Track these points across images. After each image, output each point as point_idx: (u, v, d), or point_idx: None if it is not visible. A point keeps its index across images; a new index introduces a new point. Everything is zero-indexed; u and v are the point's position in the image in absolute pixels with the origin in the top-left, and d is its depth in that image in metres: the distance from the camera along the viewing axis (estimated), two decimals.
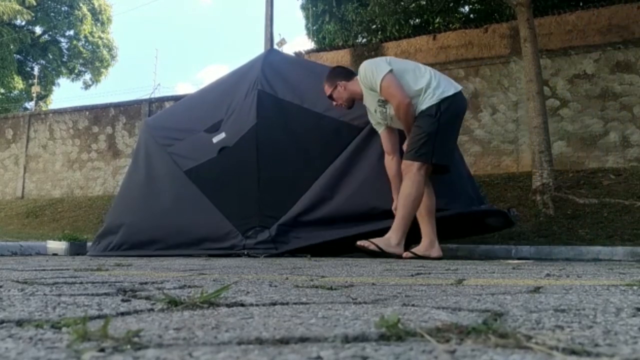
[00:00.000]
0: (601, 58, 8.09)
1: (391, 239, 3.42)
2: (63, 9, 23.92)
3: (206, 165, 4.19)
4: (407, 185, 3.44)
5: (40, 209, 10.77)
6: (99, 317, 0.82)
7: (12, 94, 23.95)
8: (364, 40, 12.33)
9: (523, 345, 0.58)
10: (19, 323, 0.75)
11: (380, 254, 3.39)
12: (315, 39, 13.99)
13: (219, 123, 4.28)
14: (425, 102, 3.49)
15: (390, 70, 3.51)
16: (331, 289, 1.34)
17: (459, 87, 3.63)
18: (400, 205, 3.48)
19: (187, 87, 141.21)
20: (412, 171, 3.44)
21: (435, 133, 3.45)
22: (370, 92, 3.64)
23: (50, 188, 11.88)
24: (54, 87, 25.62)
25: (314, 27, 13.67)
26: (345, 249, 4.00)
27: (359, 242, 3.49)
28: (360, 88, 3.71)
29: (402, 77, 3.54)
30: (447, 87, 3.55)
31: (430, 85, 3.52)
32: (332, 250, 3.99)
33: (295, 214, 4.00)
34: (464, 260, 3.83)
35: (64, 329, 0.69)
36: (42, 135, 12.33)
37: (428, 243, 3.48)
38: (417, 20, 11.85)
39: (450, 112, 3.51)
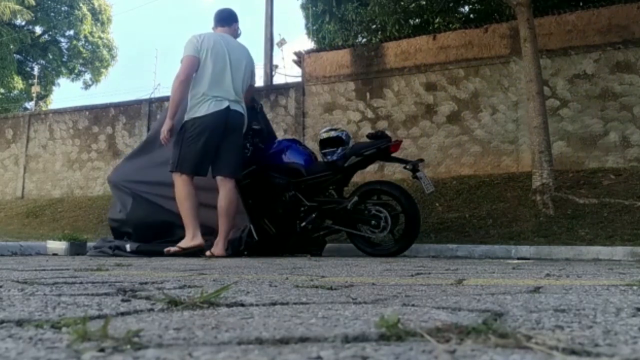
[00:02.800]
0: (601, 58, 8.09)
1: (187, 237, 3.85)
2: (63, 8, 23.90)
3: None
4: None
5: (40, 209, 10.77)
6: (99, 317, 0.82)
7: (12, 94, 23.94)
8: (364, 40, 12.33)
9: (523, 345, 0.58)
10: (19, 323, 0.75)
11: (184, 253, 3.78)
12: (315, 38, 13.99)
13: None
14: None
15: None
16: (331, 289, 1.34)
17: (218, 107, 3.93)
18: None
19: None
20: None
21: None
22: None
23: (50, 188, 11.88)
24: (54, 87, 25.61)
25: (314, 27, 13.66)
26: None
27: (165, 250, 3.91)
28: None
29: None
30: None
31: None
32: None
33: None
34: (464, 260, 3.83)
35: (64, 329, 0.69)
36: (42, 135, 12.33)
37: (219, 241, 3.90)
38: (417, 20, 11.85)
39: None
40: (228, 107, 3.93)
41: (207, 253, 3.92)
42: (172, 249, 3.87)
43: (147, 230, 4.48)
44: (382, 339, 0.62)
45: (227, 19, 4.20)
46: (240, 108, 4.07)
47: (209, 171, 4.12)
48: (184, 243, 3.86)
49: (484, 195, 7.37)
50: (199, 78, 3.93)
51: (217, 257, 3.80)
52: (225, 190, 4.00)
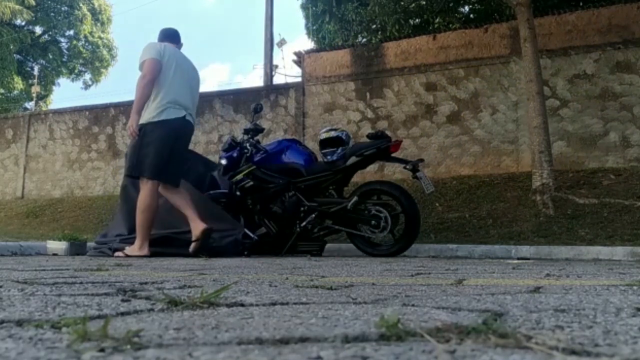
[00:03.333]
0: (601, 58, 8.09)
1: (135, 245, 3.96)
2: (63, 8, 23.90)
3: None
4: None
5: (40, 209, 10.77)
6: (99, 317, 0.82)
7: (12, 94, 23.94)
8: (364, 40, 12.32)
9: (523, 345, 0.58)
10: (19, 323, 0.75)
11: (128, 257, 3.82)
12: (315, 38, 13.99)
13: None
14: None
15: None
16: (331, 289, 1.34)
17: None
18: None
19: None
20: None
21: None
22: None
23: (50, 188, 11.88)
24: (54, 87, 25.61)
25: (314, 27, 13.66)
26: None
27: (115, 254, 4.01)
28: None
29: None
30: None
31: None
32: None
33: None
34: (464, 260, 3.83)
35: (64, 329, 0.69)
36: (42, 135, 12.33)
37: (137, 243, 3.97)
38: (417, 20, 11.85)
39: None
40: (184, 116, 4.05)
41: (126, 250, 4.01)
42: (119, 253, 3.96)
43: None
44: (382, 339, 0.62)
45: (173, 37, 4.32)
46: (193, 121, 4.19)
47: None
48: (131, 250, 3.95)
49: (484, 195, 7.37)
50: (161, 83, 3.99)
51: (129, 256, 3.88)
52: (144, 191, 4.04)
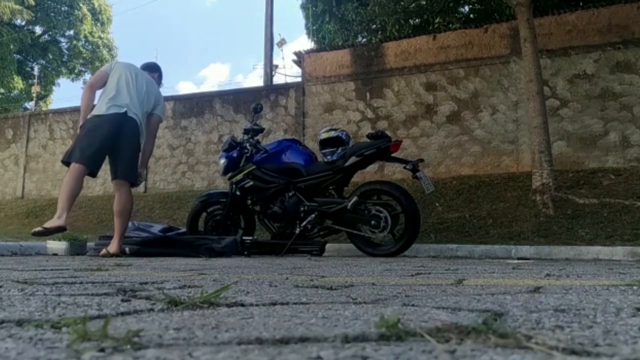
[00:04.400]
0: (601, 58, 8.09)
1: (54, 217, 4.02)
2: (63, 8, 23.89)
3: None
4: None
5: (40, 209, 10.77)
6: (99, 317, 0.82)
7: (12, 94, 23.94)
8: (364, 40, 12.33)
9: (523, 345, 0.58)
10: (19, 323, 0.75)
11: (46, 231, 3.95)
12: (315, 38, 13.98)
13: None
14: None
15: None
16: (331, 289, 1.34)
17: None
18: None
19: (189, 85, 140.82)
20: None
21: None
22: None
23: (50, 188, 11.88)
24: (54, 87, 25.62)
25: (314, 27, 13.66)
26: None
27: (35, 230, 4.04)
28: None
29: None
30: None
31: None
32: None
33: None
34: (464, 260, 3.83)
35: (64, 329, 0.69)
36: (42, 135, 12.33)
37: (115, 240, 4.11)
38: (417, 20, 11.85)
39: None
40: (126, 112, 4.26)
41: (103, 251, 4.09)
42: (37, 229, 4.00)
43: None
44: (382, 339, 0.62)
45: (150, 68, 4.87)
46: (137, 118, 4.34)
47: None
48: (49, 223, 4.01)
49: (484, 195, 7.37)
50: (106, 88, 4.38)
51: (112, 255, 3.98)
52: (119, 193, 4.26)
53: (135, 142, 4.36)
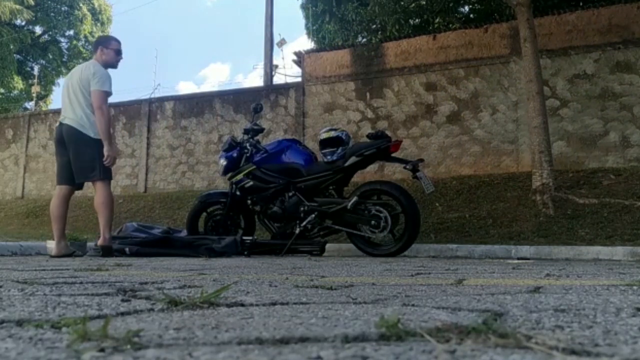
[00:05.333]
0: (601, 58, 8.09)
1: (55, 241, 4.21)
2: (63, 9, 23.88)
3: None
4: None
5: (40, 209, 10.77)
6: (99, 317, 0.82)
7: (12, 94, 23.93)
8: (364, 40, 12.33)
9: (523, 345, 0.58)
10: (19, 323, 0.75)
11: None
12: (315, 38, 13.99)
13: None
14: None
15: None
16: (331, 289, 1.34)
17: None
18: None
19: (189, 85, 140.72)
20: None
21: None
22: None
23: (50, 188, 11.87)
24: (54, 87, 25.58)
25: (314, 27, 13.66)
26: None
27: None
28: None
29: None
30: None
31: None
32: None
33: None
34: (464, 260, 3.83)
35: (64, 329, 0.69)
36: (42, 135, 12.33)
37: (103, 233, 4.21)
38: (417, 20, 11.85)
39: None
40: (61, 122, 4.38)
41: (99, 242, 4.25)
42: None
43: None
44: (382, 339, 0.62)
45: (93, 45, 4.78)
46: (72, 121, 4.35)
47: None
48: (55, 251, 4.14)
49: (484, 195, 7.37)
50: None
51: (102, 247, 4.11)
52: (95, 191, 4.39)
53: (79, 143, 4.37)
